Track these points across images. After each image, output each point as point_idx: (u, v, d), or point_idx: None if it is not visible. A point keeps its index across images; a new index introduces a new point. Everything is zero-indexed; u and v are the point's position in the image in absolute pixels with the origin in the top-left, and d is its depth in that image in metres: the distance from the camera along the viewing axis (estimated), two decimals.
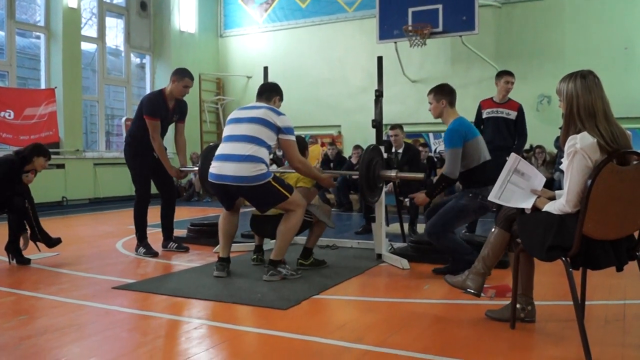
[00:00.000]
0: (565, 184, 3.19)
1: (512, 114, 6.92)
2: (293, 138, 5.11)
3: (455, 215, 5.13)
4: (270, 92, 5.34)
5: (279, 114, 5.08)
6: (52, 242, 6.00)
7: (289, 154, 5.11)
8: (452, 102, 5.24)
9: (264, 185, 4.90)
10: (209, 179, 5.12)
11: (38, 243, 5.95)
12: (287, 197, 5.01)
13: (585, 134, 3.12)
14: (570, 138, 3.17)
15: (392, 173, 5.67)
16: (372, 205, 5.90)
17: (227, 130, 5.16)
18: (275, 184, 4.97)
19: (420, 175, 5.73)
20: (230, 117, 5.26)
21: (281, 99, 5.40)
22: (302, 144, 5.80)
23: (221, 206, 5.36)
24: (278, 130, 5.02)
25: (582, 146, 3.09)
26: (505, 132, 6.90)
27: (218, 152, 5.11)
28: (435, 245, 5.28)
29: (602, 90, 3.22)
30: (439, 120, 5.33)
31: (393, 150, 8.23)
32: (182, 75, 6.33)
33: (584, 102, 3.17)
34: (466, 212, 5.14)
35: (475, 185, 5.12)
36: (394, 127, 8.27)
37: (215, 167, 5.05)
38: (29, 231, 5.85)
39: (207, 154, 5.99)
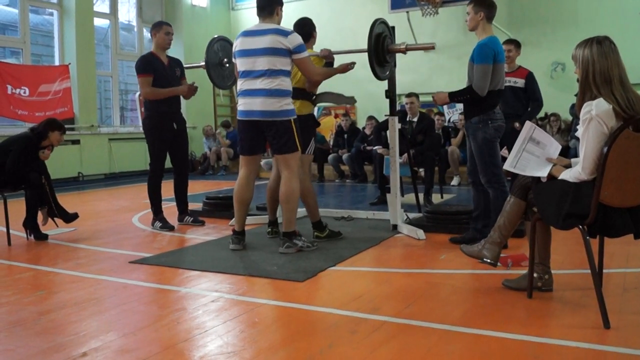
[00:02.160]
0: (581, 151, 3.17)
1: (520, 82, 6.90)
2: (306, 54, 5.04)
3: (488, 152, 5.00)
4: (271, 4, 5.13)
5: (287, 34, 4.97)
6: (69, 218, 6.04)
7: (306, 71, 5.11)
8: (489, 17, 5.07)
9: (285, 123, 4.96)
10: (239, 117, 5.12)
11: (55, 219, 6.00)
12: (297, 149, 5.04)
13: (600, 100, 3.09)
14: (585, 104, 3.14)
15: (402, 46, 5.58)
16: (382, 79, 5.72)
17: (242, 65, 5.06)
18: (294, 128, 5.00)
19: (432, 44, 5.60)
20: (238, 47, 5.10)
21: (282, 5, 5.24)
22: (308, 26, 5.79)
23: (235, 179, 5.34)
24: (290, 52, 4.97)
25: (597, 112, 3.07)
26: (511, 100, 6.83)
27: (242, 87, 5.07)
28: (491, 195, 5.03)
29: (619, 56, 3.19)
30: (453, 89, 5.24)
31: (408, 118, 8.27)
32: (159, 25, 6.45)
33: (600, 68, 3.14)
34: (491, 141, 4.99)
35: (481, 112, 4.99)
36: (409, 95, 8.27)
37: (243, 104, 5.06)
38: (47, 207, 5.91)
39: (213, 44, 6.25)
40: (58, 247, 5.57)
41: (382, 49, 5.51)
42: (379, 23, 5.53)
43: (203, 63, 6.35)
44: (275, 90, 4.91)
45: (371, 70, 5.48)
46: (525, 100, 6.96)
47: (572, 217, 3.18)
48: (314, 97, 5.74)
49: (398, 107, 6.19)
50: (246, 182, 5.24)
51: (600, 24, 10.99)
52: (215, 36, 6.49)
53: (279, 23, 5.15)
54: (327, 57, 5.74)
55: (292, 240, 5.04)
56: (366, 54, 5.40)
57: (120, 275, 4.44)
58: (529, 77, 6.91)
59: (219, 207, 7.11)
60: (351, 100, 5.92)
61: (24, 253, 5.40)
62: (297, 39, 4.98)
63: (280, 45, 4.91)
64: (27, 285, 4.24)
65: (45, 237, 5.83)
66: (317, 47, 5.88)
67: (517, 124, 6.53)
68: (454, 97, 5.12)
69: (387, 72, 5.73)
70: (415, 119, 8.31)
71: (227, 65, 6.50)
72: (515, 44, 7.00)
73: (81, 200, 9.26)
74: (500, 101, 5.10)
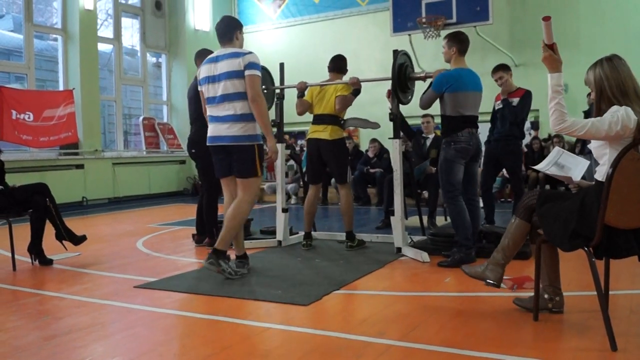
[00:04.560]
0: (583, 120, 3.26)
1: (515, 101, 6.96)
2: (255, 73, 4.93)
3: (445, 170, 5.48)
4: (229, 31, 5.11)
5: (243, 54, 4.94)
6: (77, 240, 6.03)
7: (248, 88, 4.91)
8: (461, 51, 5.56)
9: (249, 147, 4.97)
10: (208, 143, 5.16)
11: (64, 242, 5.99)
12: (256, 174, 5.04)
13: (629, 109, 3.17)
14: (615, 106, 3.23)
15: (422, 74, 6.02)
16: (405, 104, 6.10)
17: (207, 91, 5.08)
18: (257, 153, 5.01)
19: (438, 70, 5.74)
20: (202, 74, 5.13)
21: (240, 30, 5.19)
22: (342, 61, 6.47)
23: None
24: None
25: (623, 115, 3.14)
26: (510, 121, 6.89)
27: (210, 113, 5.11)
28: (448, 210, 5.59)
29: (630, 70, 3.30)
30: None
31: (423, 135, 8.78)
32: (204, 53, 6.38)
33: (615, 81, 3.25)
34: (451, 161, 5.45)
35: (447, 133, 5.50)
36: (425, 115, 8.66)
37: (211, 130, 5.10)
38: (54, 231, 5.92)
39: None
40: (63, 272, 5.57)
41: (404, 78, 5.94)
42: (401, 54, 5.92)
43: None
44: (240, 115, 4.94)
45: (396, 97, 5.90)
46: (521, 121, 6.95)
47: (578, 237, 3.18)
48: (342, 122, 6.20)
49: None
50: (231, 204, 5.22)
51: (602, 46, 10.98)
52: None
53: (240, 47, 5.16)
54: (355, 85, 6.14)
55: (218, 260, 4.92)
56: (368, 79, 5.59)
57: (125, 299, 4.43)
58: (524, 97, 6.93)
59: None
60: (376, 126, 6.35)
61: (29, 278, 5.40)
62: (250, 58, 4.94)
63: (238, 67, 4.91)
64: (32, 311, 4.23)
65: (50, 262, 5.83)
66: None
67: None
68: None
69: (410, 97, 6.16)
70: (430, 136, 8.75)
71: (265, 92, 6.62)
72: (503, 68, 7.02)
73: (85, 225, 9.25)
74: (468, 125, 5.47)
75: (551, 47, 3.48)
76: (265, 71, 6.75)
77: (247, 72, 4.90)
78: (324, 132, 6.20)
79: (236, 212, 5.00)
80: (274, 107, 6.81)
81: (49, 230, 5.91)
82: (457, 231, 5.40)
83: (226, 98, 4.95)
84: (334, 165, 6.33)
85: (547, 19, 3.43)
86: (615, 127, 3.13)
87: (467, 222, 5.38)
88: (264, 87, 6.59)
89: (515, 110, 6.87)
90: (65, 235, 5.96)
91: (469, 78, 5.51)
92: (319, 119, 6.31)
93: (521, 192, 6.94)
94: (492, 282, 3.82)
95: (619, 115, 3.14)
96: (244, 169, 5.02)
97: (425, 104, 5.57)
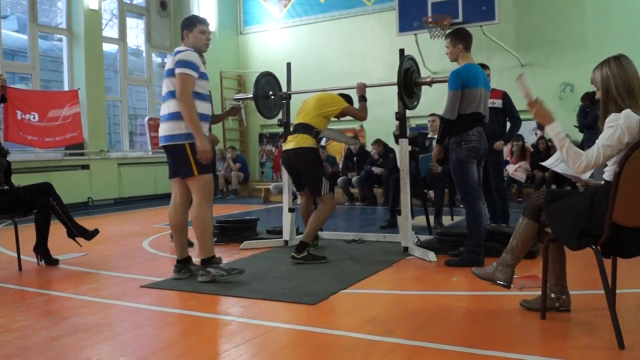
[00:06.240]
0: (594, 150, 3.22)
1: (497, 102, 7.10)
2: (183, 71, 4.76)
3: (460, 172, 5.36)
4: (181, 30, 5.08)
5: (177, 52, 4.87)
6: (89, 235, 6.02)
7: (176, 85, 4.79)
8: (467, 47, 5.46)
9: (181, 146, 4.83)
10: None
11: (77, 238, 5.99)
12: (194, 174, 4.84)
13: (629, 111, 3.15)
14: (612, 115, 3.19)
15: (428, 79, 6.04)
16: (411, 109, 6.13)
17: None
18: (190, 153, 4.81)
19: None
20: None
21: (190, 29, 5.01)
22: (346, 98, 6.09)
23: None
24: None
25: (626, 124, 3.13)
26: (490, 121, 6.93)
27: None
28: (465, 211, 5.45)
29: (636, 70, 3.30)
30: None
31: (429, 135, 8.79)
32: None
33: (622, 80, 3.24)
34: (464, 162, 5.34)
35: (457, 133, 5.36)
36: (432, 114, 8.72)
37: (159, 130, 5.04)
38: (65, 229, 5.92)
39: (260, 79, 6.58)
40: (69, 272, 5.58)
41: (410, 83, 5.93)
42: (407, 59, 5.89)
43: (251, 95, 6.64)
44: (171, 113, 4.84)
45: (402, 102, 5.86)
46: (504, 120, 7.15)
47: (587, 235, 3.18)
48: (315, 132, 5.80)
49: (408, 131, 6.31)
50: (173, 207, 5.13)
51: (608, 45, 10.98)
52: (262, 72, 6.78)
53: (192, 45, 5.02)
54: (361, 91, 6.10)
55: (206, 269, 4.90)
56: (375, 79, 5.56)
57: (132, 299, 4.44)
58: (505, 97, 7.15)
59: (229, 230, 7.10)
60: (352, 141, 6.27)
61: (35, 278, 5.40)
62: (180, 56, 4.83)
63: (171, 65, 4.86)
64: (38, 311, 4.24)
65: (56, 262, 5.83)
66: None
67: (499, 143, 6.69)
68: (440, 140, 5.66)
69: (415, 102, 6.16)
70: (435, 136, 8.58)
71: (272, 97, 6.74)
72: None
73: (91, 225, 9.15)
74: (478, 124, 5.41)
75: (536, 101, 3.47)
76: (271, 76, 6.77)
77: (176, 70, 4.80)
78: (292, 142, 5.78)
79: (197, 220, 4.89)
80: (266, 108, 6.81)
81: (55, 230, 5.92)
82: (470, 235, 5.29)
83: (167, 96, 4.90)
84: (303, 176, 5.89)
85: (520, 77, 3.45)
86: (623, 139, 3.11)
87: (483, 228, 5.31)
88: (270, 92, 6.62)
89: (504, 111, 7.13)
90: (76, 232, 5.96)
91: (480, 74, 5.43)
92: (293, 129, 5.97)
93: (501, 188, 7.12)
94: (502, 283, 3.82)
95: (619, 124, 3.12)
96: (180, 169, 4.92)
97: (451, 109, 5.28)
